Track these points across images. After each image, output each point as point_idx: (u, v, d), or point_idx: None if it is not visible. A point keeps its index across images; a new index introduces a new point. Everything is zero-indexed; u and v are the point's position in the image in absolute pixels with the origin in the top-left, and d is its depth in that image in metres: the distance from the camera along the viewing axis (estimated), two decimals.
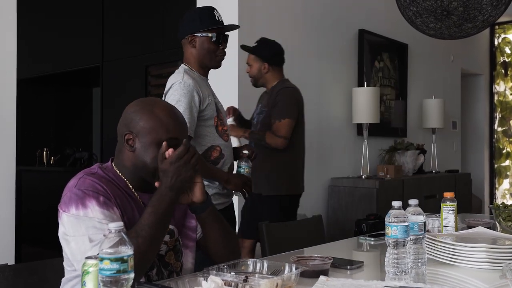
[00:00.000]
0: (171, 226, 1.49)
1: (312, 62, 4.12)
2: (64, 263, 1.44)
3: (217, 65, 2.31)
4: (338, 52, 4.38)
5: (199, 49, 2.25)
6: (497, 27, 6.91)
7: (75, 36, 6.06)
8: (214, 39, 2.23)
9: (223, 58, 2.31)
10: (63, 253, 1.42)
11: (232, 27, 2.32)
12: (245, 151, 2.35)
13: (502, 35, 6.98)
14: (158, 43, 5.08)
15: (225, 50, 2.31)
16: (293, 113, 3.06)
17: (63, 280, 1.45)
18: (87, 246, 1.30)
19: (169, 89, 2.19)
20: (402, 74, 5.15)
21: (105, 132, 5.60)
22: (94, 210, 1.33)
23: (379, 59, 4.84)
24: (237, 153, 2.40)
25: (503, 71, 6.96)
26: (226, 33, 2.31)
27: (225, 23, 2.31)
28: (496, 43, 6.99)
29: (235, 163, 2.38)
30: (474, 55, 6.64)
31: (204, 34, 2.24)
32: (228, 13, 3.47)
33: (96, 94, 6.75)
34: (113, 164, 1.50)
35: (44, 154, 6.59)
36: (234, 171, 2.36)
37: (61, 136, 7.10)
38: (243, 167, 2.32)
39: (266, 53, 3.14)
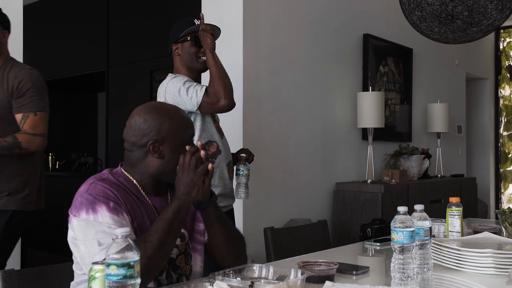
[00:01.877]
0: (182, 230, 1.51)
1: (317, 67, 4.12)
2: (74, 267, 1.46)
3: (202, 67, 2.35)
4: (342, 56, 4.38)
5: (183, 55, 2.34)
6: (502, 31, 6.90)
7: (80, 41, 6.09)
8: (194, 41, 2.31)
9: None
10: (73, 257, 1.43)
11: (215, 29, 2.35)
12: (243, 154, 2.37)
13: (507, 39, 6.97)
14: (163, 48, 5.08)
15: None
16: (47, 103, 2.41)
17: (72, 283, 1.46)
18: (95, 250, 1.32)
19: (164, 91, 2.24)
20: (407, 79, 5.15)
21: (110, 137, 5.62)
22: (104, 215, 1.35)
23: (384, 64, 4.84)
24: (234, 158, 2.42)
25: (508, 75, 6.94)
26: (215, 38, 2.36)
27: (218, 27, 2.38)
28: (501, 47, 6.98)
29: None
30: (479, 59, 6.63)
31: (183, 39, 2.33)
32: (233, 18, 3.49)
33: (101, 99, 6.78)
34: (122, 169, 1.51)
35: (50, 158, 6.62)
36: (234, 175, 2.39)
37: (66, 141, 7.13)
38: (242, 169, 2.34)
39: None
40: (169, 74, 2.36)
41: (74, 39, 6.16)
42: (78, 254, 1.39)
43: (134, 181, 1.49)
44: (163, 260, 1.37)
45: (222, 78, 2.20)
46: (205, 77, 2.45)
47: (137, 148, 1.48)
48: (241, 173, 2.34)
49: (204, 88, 2.19)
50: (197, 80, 2.39)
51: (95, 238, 1.33)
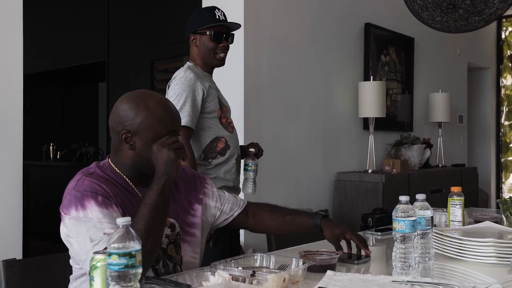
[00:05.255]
0: (172, 220, 1.51)
1: (318, 56, 4.10)
2: (71, 262, 1.46)
3: (219, 63, 2.33)
4: (344, 46, 4.36)
5: (200, 48, 2.30)
6: (504, 20, 6.86)
7: (81, 31, 6.07)
8: (212, 37, 2.26)
9: (224, 56, 2.32)
10: (69, 252, 1.43)
11: (234, 25, 2.33)
12: (252, 149, 2.36)
13: (510, 28, 6.93)
14: (164, 38, 5.08)
15: (228, 47, 2.32)
16: None
17: (71, 277, 1.47)
18: (88, 246, 1.32)
19: (171, 83, 2.25)
20: (409, 68, 5.13)
21: None
22: (93, 210, 1.34)
23: (385, 53, 4.81)
24: (243, 152, 2.41)
25: (510, 64, 6.91)
26: (232, 32, 2.34)
27: (230, 21, 2.33)
28: (503, 36, 6.94)
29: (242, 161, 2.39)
30: (481, 48, 6.60)
31: (202, 32, 2.28)
32: (234, 7, 3.47)
33: (102, 89, 6.77)
34: (110, 161, 1.49)
35: (51, 149, 6.62)
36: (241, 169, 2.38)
37: (67, 131, 7.13)
38: (250, 164, 2.34)
39: None
40: (187, 62, 2.33)
41: (74, 29, 6.14)
42: (73, 251, 1.39)
43: (121, 173, 1.46)
44: (156, 245, 1.36)
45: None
46: (218, 72, 2.42)
47: (115, 135, 1.46)
48: (249, 168, 2.33)
49: None
50: (210, 73, 2.35)
51: (87, 234, 1.33)
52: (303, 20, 3.98)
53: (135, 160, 1.45)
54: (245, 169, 2.34)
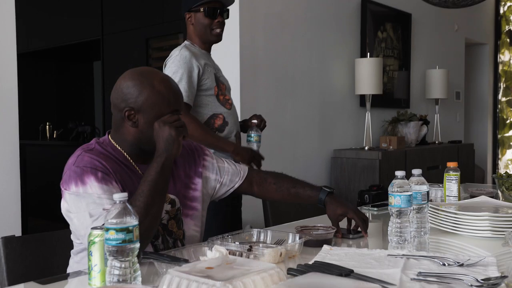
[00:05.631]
0: (172, 196, 1.51)
1: (314, 33, 4.08)
2: (72, 236, 1.47)
3: (215, 39, 2.33)
4: (340, 22, 4.33)
5: (196, 25, 2.30)
6: None
7: (74, 9, 6.00)
8: (207, 13, 2.27)
9: (221, 31, 2.32)
10: (70, 227, 1.44)
11: (228, 0, 2.33)
12: (254, 120, 2.37)
13: (508, 3, 6.88)
14: (158, 16, 5.03)
15: (223, 23, 2.32)
16: None
17: (72, 251, 1.48)
18: (88, 221, 1.33)
19: (167, 61, 2.26)
20: (406, 44, 5.10)
21: (107, 106, 5.57)
22: (93, 186, 1.35)
23: (382, 29, 4.78)
24: (246, 124, 2.42)
25: (508, 40, 6.88)
26: (227, 7, 2.34)
27: None
28: (501, 11, 6.89)
29: (244, 136, 2.40)
30: (478, 24, 6.56)
31: (196, 9, 2.28)
32: None
33: (97, 67, 6.72)
34: (110, 137, 1.49)
35: (47, 128, 6.61)
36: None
37: (63, 110, 7.11)
38: (252, 135, 2.34)
39: None
40: (185, 41, 2.33)
41: (68, 7, 6.07)
42: (73, 227, 1.40)
43: (121, 150, 1.46)
44: (155, 221, 1.37)
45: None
46: (214, 48, 2.41)
47: (117, 111, 1.45)
48: (251, 139, 2.34)
49: None
50: (208, 50, 2.36)
51: (86, 210, 1.34)
52: None
53: (137, 137, 1.45)
54: (248, 141, 2.35)
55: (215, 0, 2.29)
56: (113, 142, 1.48)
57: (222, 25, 2.31)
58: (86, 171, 1.36)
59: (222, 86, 2.33)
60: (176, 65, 2.19)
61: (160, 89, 1.43)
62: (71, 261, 1.48)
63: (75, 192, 1.35)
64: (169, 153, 1.39)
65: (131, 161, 1.47)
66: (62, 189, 1.39)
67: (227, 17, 2.35)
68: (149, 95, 1.41)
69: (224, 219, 2.22)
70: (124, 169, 1.44)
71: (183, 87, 2.15)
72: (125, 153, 1.47)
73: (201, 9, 2.27)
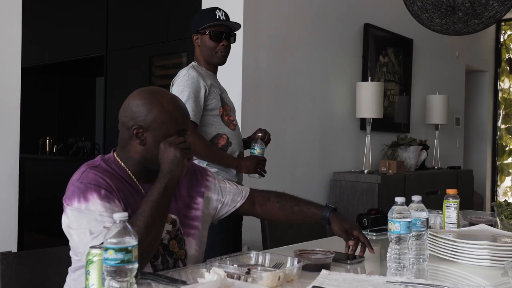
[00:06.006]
0: (173, 216, 1.51)
1: (317, 56, 4.11)
2: (71, 253, 1.46)
3: (219, 61, 2.39)
4: (343, 46, 4.37)
5: (202, 47, 2.37)
6: (503, 23, 6.87)
7: (79, 25, 6.05)
8: (213, 36, 2.32)
9: (225, 55, 2.38)
10: (70, 243, 1.43)
11: (234, 25, 2.38)
12: (259, 134, 2.40)
13: (508, 32, 6.95)
14: (163, 33, 5.07)
15: (228, 46, 2.37)
16: None
17: (70, 268, 1.47)
18: (87, 239, 1.33)
19: (174, 81, 2.31)
20: (407, 69, 5.14)
21: (108, 122, 5.61)
22: (95, 203, 1.35)
23: (384, 54, 4.82)
24: (250, 140, 2.47)
25: (508, 68, 6.93)
26: (234, 31, 2.39)
27: (230, 20, 2.39)
28: (501, 39, 6.96)
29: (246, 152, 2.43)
30: (479, 51, 6.61)
31: (203, 32, 2.34)
32: (233, 6, 3.46)
33: (100, 83, 6.76)
34: (115, 155, 1.50)
35: (47, 142, 6.61)
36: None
37: (64, 125, 7.12)
38: (256, 148, 2.36)
39: None
40: (192, 62, 2.39)
41: (73, 23, 6.13)
42: (72, 243, 1.40)
43: (126, 168, 1.47)
44: (154, 242, 1.36)
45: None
46: (222, 69, 2.48)
47: (125, 129, 1.47)
48: (254, 152, 2.36)
49: None
50: (214, 72, 2.41)
51: (87, 227, 1.34)
52: (302, 19, 3.98)
53: (143, 155, 1.46)
54: (251, 153, 2.38)
55: (221, 24, 2.34)
56: (118, 160, 1.48)
57: (226, 49, 2.36)
58: (89, 188, 1.36)
59: (227, 107, 2.37)
60: (184, 84, 2.23)
61: (169, 108, 1.45)
62: (68, 278, 1.46)
63: (77, 208, 1.35)
64: (173, 175, 1.39)
65: (135, 179, 1.48)
66: (65, 204, 1.39)
67: (234, 41, 2.40)
68: (158, 114, 1.43)
69: (227, 238, 2.24)
70: (128, 188, 1.45)
71: (190, 105, 2.19)
72: (129, 172, 1.47)
73: (207, 32, 2.32)
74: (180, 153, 1.40)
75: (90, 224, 1.34)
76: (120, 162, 1.48)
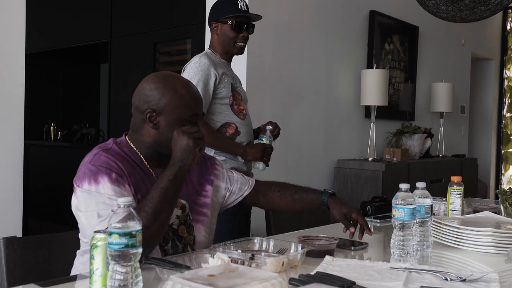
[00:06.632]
0: (182, 201, 1.52)
1: (322, 43, 4.08)
2: (80, 235, 1.47)
3: (238, 52, 2.38)
4: (348, 33, 4.34)
5: (221, 36, 2.34)
6: (510, 11, 6.81)
7: (84, 11, 6.03)
8: (234, 26, 2.31)
9: (244, 45, 2.37)
10: (78, 226, 1.44)
11: (255, 17, 2.37)
12: (269, 126, 2.38)
13: None
14: (167, 20, 5.05)
15: (247, 37, 2.36)
16: None
17: (78, 252, 1.47)
18: (95, 221, 1.33)
19: (186, 67, 2.29)
20: (412, 57, 5.10)
21: (113, 109, 5.61)
22: (105, 186, 1.36)
23: (389, 41, 4.79)
24: (259, 131, 2.44)
25: None
26: (253, 22, 2.38)
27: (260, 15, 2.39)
28: (508, 27, 6.90)
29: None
30: (485, 39, 6.56)
31: (224, 21, 2.32)
32: None
33: (104, 70, 6.75)
34: (127, 138, 1.51)
35: (52, 129, 6.63)
36: None
37: (68, 111, 7.13)
38: (264, 139, 2.34)
39: None
40: (206, 49, 2.38)
41: (78, 9, 6.11)
42: (80, 225, 1.41)
43: (138, 152, 1.48)
44: (161, 229, 1.37)
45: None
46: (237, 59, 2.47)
47: (138, 113, 1.48)
48: (260, 142, 2.34)
49: None
50: (229, 61, 2.40)
51: (95, 209, 1.34)
52: (307, 6, 3.95)
53: (156, 139, 1.47)
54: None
55: (243, 15, 2.32)
56: (130, 143, 1.49)
57: (246, 40, 2.36)
58: (101, 171, 1.37)
59: (238, 97, 2.35)
60: (194, 71, 2.22)
61: (182, 92, 1.46)
62: (76, 261, 1.47)
63: (87, 190, 1.36)
64: (184, 163, 1.40)
65: (146, 163, 1.49)
66: (75, 185, 1.39)
67: (252, 32, 2.39)
68: (171, 98, 1.44)
69: (240, 224, 2.24)
70: (139, 172, 1.45)
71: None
72: (141, 155, 1.48)
73: (229, 22, 2.31)
74: (193, 142, 1.40)
75: (98, 207, 1.34)
76: (132, 146, 1.49)
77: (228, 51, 2.36)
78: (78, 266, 1.45)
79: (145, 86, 1.47)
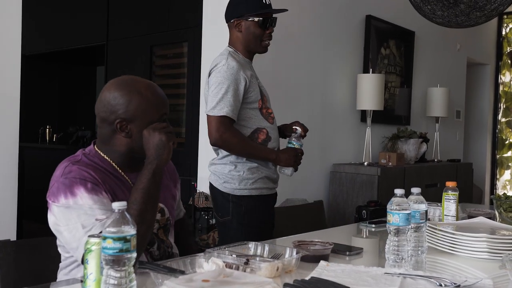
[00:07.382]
0: (161, 205, 1.52)
1: (318, 47, 4.09)
2: (59, 250, 1.44)
3: (263, 50, 2.25)
4: (344, 37, 4.35)
5: (245, 34, 2.19)
6: (505, 16, 6.84)
7: (80, 13, 6.02)
8: (261, 23, 2.17)
9: (269, 43, 2.24)
10: (57, 241, 1.42)
11: (280, 11, 2.22)
12: (298, 128, 2.25)
13: (510, 25, 6.92)
14: (164, 23, 5.05)
15: (272, 34, 2.23)
16: None
17: (60, 265, 1.45)
18: (80, 233, 1.30)
19: (212, 70, 2.14)
20: (408, 62, 5.12)
21: None
22: (83, 197, 1.33)
23: (385, 46, 4.80)
24: (285, 130, 2.32)
25: (509, 61, 6.91)
26: (274, 15, 2.23)
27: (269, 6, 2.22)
28: (503, 33, 6.93)
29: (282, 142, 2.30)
30: (481, 44, 6.59)
31: (250, 18, 2.16)
32: None
33: (100, 72, 6.75)
34: (96, 148, 1.47)
35: (47, 131, 6.61)
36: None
37: (64, 114, 7.11)
38: (295, 144, 2.21)
39: None
40: (226, 48, 2.21)
41: (74, 11, 6.10)
42: (63, 240, 1.37)
43: (109, 160, 1.45)
44: (149, 229, 1.36)
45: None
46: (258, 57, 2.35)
47: (106, 125, 1.43)
48: (291, 147, 2.22)
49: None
50: (251, 59, 2.26)
51: (78, 221, 1.31)
52: (304, 10, 3.96)
53: (130, 147, 1.44)
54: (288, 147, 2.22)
55: (270, 11, 2.19)
56: (101, 153, 1.46)
57: (271, 37, 2.23)
58: (75, 182, 1.33)
59: (265, 99, 2.24)
60: (223, 75, 2.08)
61: (148, 95, 1.43)
62: (59, 274, 1.45)
63: (65, 204, 1.33)
64: (160, 159, 1.38)
65: (120, 170, 1.46)
66: (50, 201, 1.36)
67: (274, 26, 2.24)
68: (139, 103, 1.41)
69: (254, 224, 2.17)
70: (113, 179, 1.43)
71: (228, 100, 2.05)
72: (113, 163, 1.46)
73: (255, 19, 2.15)
74: (165, 137, 1.39)
75: (81, 219, 1.31)
76: (103, 155, 1.46)
77: (252, 49, 2.21)
78: (62, 278, 1.44)
79: (107, 96, 1.42)
